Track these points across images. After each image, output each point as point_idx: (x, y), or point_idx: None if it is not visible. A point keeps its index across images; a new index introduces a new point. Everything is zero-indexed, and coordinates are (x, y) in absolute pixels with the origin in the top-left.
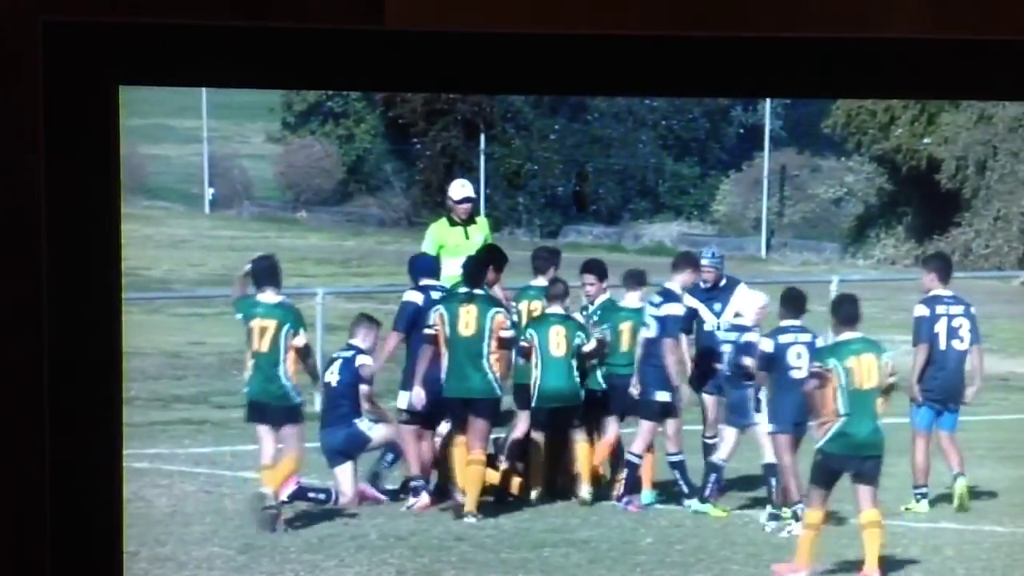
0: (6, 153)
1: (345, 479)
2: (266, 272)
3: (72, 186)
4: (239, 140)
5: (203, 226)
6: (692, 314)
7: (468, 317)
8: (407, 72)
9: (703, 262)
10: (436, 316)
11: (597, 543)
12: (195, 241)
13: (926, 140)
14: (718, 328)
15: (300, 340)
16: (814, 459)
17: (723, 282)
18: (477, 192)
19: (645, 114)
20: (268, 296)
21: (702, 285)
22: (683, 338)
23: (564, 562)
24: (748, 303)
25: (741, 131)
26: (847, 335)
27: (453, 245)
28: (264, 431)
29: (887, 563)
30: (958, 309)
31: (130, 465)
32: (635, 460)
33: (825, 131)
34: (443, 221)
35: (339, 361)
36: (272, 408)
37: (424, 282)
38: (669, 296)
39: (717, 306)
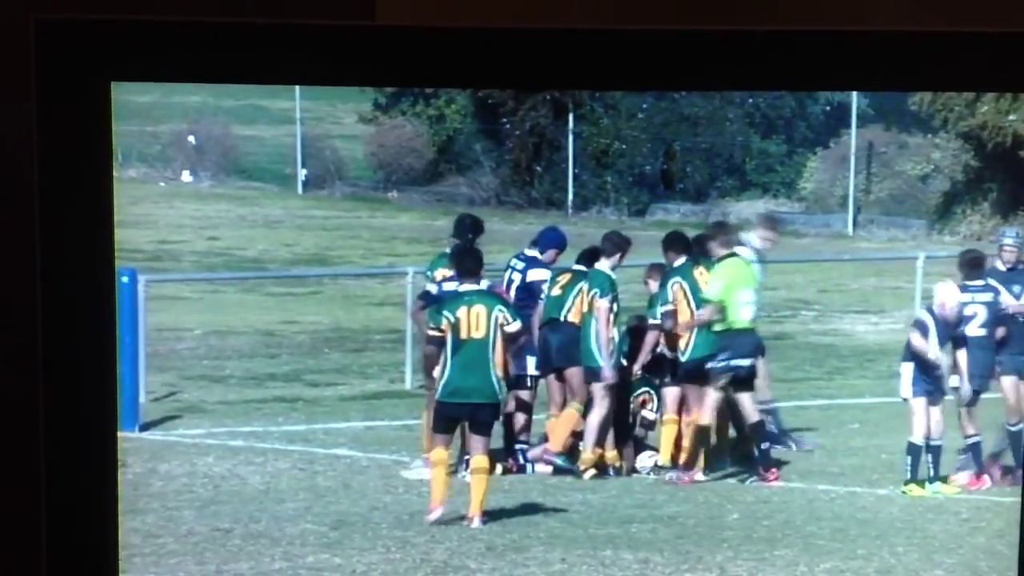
0: None
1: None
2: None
3: (65, 184)
4: (331, 121)
5: (296, 206)
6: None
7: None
8: (398, 68)
9: (1006, 242)
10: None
11: (684, 519)
12: (288, 221)
13: (1011, 117)
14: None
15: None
16: (434, 408)
17: (1021, 266)
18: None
19: (732, 92)
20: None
21: (1001, 267)
22: None
23: (651, 537)
24: None
25: (828, 108)
26: (467, 286)
27: None
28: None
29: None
30: None
31: (225, 443)
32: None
33: (912, 108)
34: None
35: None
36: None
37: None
38: None
39: (1016, 288)
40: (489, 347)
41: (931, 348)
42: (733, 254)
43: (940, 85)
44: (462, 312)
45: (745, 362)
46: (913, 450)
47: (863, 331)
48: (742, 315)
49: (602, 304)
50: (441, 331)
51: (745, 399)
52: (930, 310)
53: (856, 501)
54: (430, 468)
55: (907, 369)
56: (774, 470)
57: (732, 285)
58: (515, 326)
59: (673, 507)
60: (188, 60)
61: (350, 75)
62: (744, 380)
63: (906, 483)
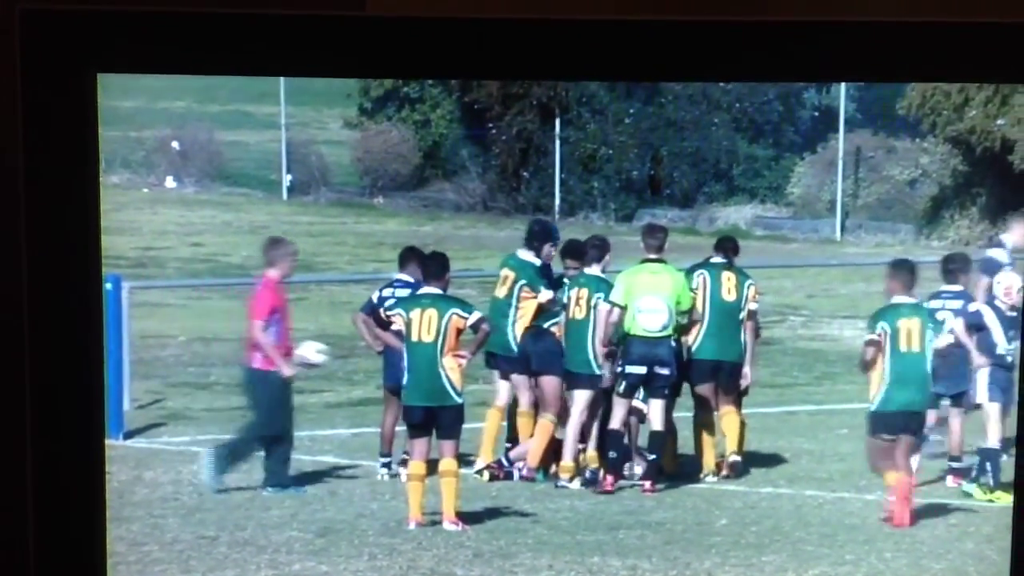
0: None
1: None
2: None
3: (51, 176)
4: (317, 126)
5: (281, 212)
6: None
7: None
8: (389, 59)
9: None
10: None
11: (672, 525)
12: (273, 227)
13: (1000, 121)
14: None
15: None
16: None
17: None
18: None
19: (719, 97)
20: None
21: None
22: None
23: (639, 544)
24: None
25: (815, 113)
26: (426, 289)
27: None
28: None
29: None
30: None
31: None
32: None
33: (900, 112)
34: None
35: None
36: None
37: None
38: None
39: None
40: (437, 351)
41: (999, 343)
42: (651, 260)
43: (931, 76)
44: (415, 314)
45: (639, 370)
46: (991, 455)
47: (851, 336)
48: (640, 322)
49: (605, 307)
50: (395, 321)
51: (654, 406)
52: (991, 304)
53: (844, 506)
54: (404, 478)
55: (983, 374)
56: (610, 478)
57: (633, 291)
58: (473, 317)
59: (661, 513)
60: (176, 51)
61: (340, 66)
62: (653, 387)
63: (991, 490)
